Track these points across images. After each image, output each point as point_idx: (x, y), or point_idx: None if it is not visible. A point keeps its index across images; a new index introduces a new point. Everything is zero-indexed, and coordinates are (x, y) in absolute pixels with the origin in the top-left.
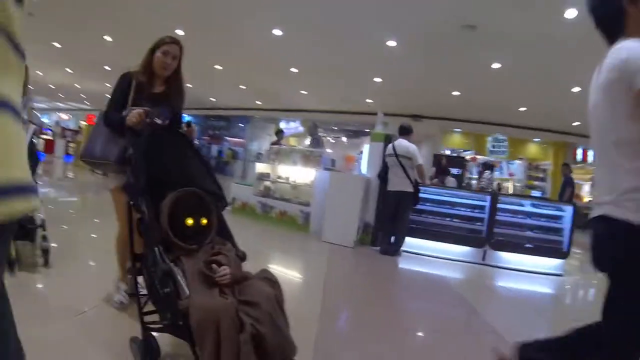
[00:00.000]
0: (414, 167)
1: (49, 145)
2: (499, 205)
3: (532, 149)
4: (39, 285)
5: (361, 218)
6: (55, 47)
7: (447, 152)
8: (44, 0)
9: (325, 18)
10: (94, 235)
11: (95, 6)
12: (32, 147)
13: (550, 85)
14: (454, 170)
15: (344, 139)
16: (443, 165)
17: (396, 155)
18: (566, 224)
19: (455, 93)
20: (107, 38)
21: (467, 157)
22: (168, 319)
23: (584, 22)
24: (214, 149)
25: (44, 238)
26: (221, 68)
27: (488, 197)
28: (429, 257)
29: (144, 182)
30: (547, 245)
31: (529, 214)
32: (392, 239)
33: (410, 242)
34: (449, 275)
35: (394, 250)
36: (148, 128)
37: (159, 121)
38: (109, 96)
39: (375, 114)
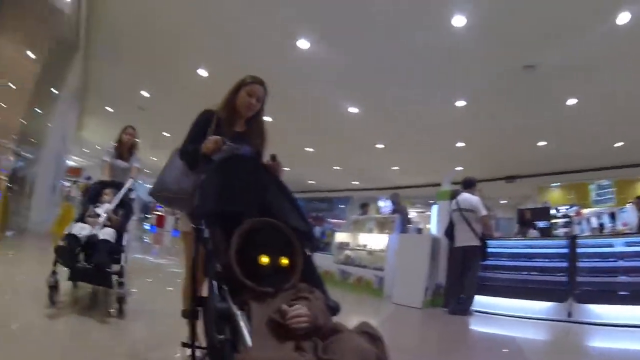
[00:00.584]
0: (479, 219)
1: (160, 220)
2: (582, 250)
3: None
4: (102, 333)
5: (431, 278)
6: (165, 136)
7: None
8: (153, 99)
9: (394, 93)
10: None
11: (198, 100)
12: (127, 199)
13: None
14: (540, 224)
15: None
16: (526, 219)
17: (459, 209)
18: None
19: (541, 143)
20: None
21: (571, 213)
22: None
23: None
24: (317, 230)
25: (120, 285)
26: (312, 150)
27: (566, 242)
28: (505, 316)
29: (211, 205)
30: None
31: (621, 255)
32: (461, 297)
33: (482, 301)
34: (525, 335)
35: (462, 309)
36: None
37: (237, 151)
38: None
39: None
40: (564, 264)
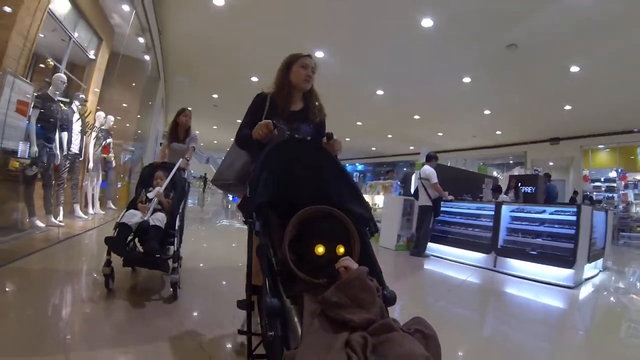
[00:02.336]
0: (432, 185)
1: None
2: (508, 214)
3: None
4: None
5: (406, 229)
6: (237, 122)
7: (587, 173)
8: (221, 98)
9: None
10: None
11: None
12: (179, 180)
13: None
14: (528, 189)
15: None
16: (512, 184)
17: (420, 177)
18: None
19: (567, 107)
20: None
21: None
22: None
23: None
24: None
25: (174, 270)
26: (360, 123)
27: (493, 206)
28: (451, 261)
29: (261, 196)
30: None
31: (541, 221)
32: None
33: (438, 248)
34: (456, 275)
35: (417, 252)
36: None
37: (295, 134)
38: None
39: (508, 145)
40: (491, 224)
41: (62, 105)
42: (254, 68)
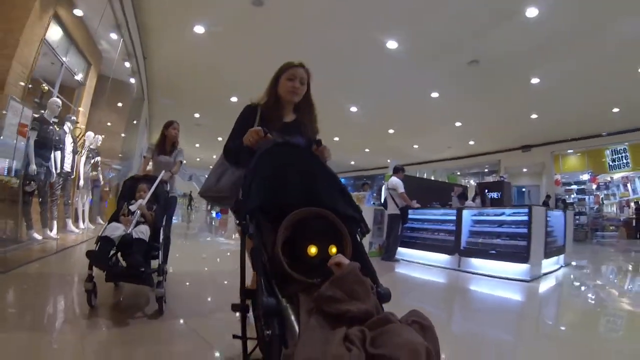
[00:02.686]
0: (399, 195)
1: (224, 208)
2: (475, 218)
3: None
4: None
5: (378, 237)
6: (219, 140)
7: (559, 177)
8: (203, 118)
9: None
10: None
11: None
12: (162, 193)
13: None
14: (494, 194)
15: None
16: (479, 191)
17: (388, 188)
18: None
19: (534, 116)
20: None
21: (585, 179)
22: None
23: None
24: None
25: (159, 284)
26: (337, 139)
27: (455, 212)
28: (419, 264)
29: (254, 201)
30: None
31: (499, 223)
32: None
33: (407, 252)
34: (419, 275)
35: (387, 257)
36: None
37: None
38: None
39: (482, 154)
40: (454, 228)
41: (56, 127)
42: (234, 89)
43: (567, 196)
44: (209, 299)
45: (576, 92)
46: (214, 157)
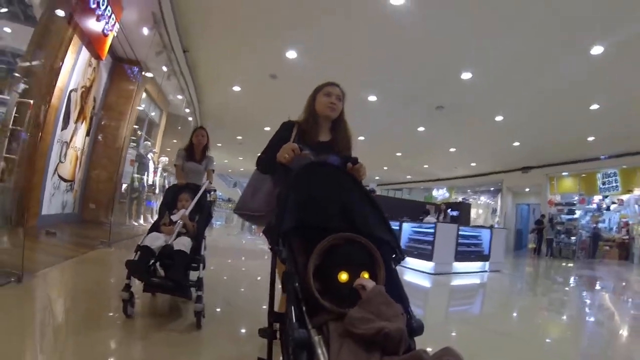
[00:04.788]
0: None
1: None
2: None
3: None
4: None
5: None
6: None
7: (553, 198)
8: (244, 139)
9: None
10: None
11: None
12: (204, 203)
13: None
14: (454, 212)
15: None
16: (442, 208)
17: None
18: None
19: (516, 144)
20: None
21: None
22: None
23: None
24: None
25: (199, 299)
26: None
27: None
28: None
29: (288, 222)
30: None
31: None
32: None
33: None
34: None
35: None
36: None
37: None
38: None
39: (486, 174)
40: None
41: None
42: (266, 122)
43: (559, 216)
44: (245, 309)
45: (541, 125)
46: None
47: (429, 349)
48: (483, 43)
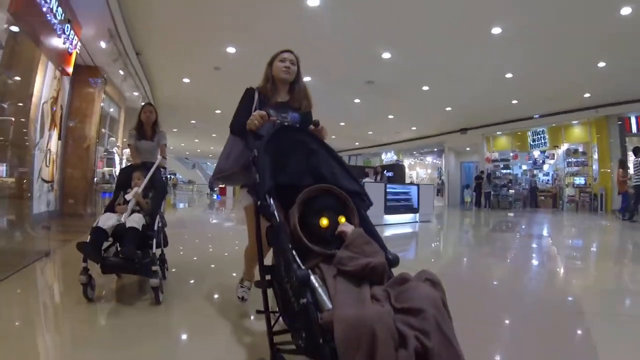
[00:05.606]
0: None
1: (223, 190)
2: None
3: (575, 133)
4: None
5: None
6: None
7: (489, 155)
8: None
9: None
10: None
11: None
12: (158, 180)
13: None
14: (389, 173)
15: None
16: (378, 170)
17: None
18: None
19: (448, 108)
20: None
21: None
22: (304, 338)
23: None
24: None
25: (154, 274)
26: None
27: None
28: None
29: (270, 179)
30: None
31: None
32: None
33: None
34: None
35: None
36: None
37: (284, 122)
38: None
39: (428, 137)
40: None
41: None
42: (215, 106)
43: (496, 171)
44: (211, 278)
45: (466, 93)
46: (211, 148)
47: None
48: (399, 26)
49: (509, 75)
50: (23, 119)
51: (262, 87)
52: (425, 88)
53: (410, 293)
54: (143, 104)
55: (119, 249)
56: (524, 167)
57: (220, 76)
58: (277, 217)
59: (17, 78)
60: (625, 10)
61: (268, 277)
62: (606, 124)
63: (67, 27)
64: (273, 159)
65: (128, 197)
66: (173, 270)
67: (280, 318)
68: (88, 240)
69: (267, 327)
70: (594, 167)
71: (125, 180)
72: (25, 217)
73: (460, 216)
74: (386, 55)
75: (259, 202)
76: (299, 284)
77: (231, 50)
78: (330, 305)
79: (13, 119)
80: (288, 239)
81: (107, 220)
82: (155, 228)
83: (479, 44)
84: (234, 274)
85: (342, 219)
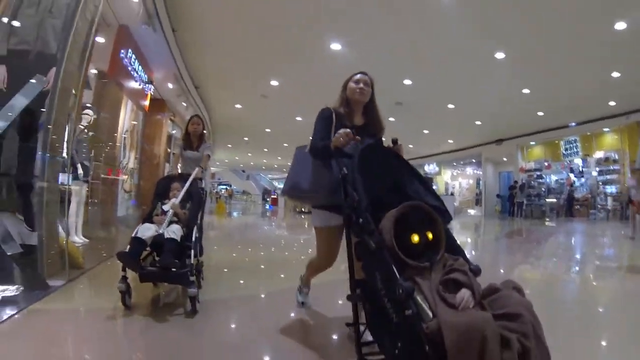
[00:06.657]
0: None
1: (274, 201)
2: None
3: (606, 140)
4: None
5: None
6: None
7: (524, 165)
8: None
9: None
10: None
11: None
12: (196, 191)
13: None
14: None
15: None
16: None
17: None
18: None
19: (478, 122)
20: None
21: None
22: (399, 347)
23: None
24: None
25: (192, 284)
26: None
27: None
28: None
29: (365, 200)
30: None
31: None
32: None
33: None
34: None
35: None
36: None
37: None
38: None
39: (464, 149)
40: None
41: None
42: (264, 126)
43: (531, 181)
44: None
45: (489, 109)
46: (264, 160)
47: None
48: (418, 56)
49: (525, 91)
50: (110, 143)
51: (338, 108)
52: (451, 106)
53: (504, 301)
54: (191, 115)
55: (156, 258)
56: (555, 177)
57: (266, 103)
58: (375, 229)
59: (106, 115)
60: (620, 25)
61: (358, 290)
62: (638, 131)
63: (145, 77)
64: (366, 176)
65: (166, 207)
66: (225, 270)
67: (369, 330)
68: (127, 250)
69: (356, 339)
70: (628, 174)
71: (163, 190)
72: (112, 219)
73: (486, 225)
74: (407, 81)
75: (354, 219)
76: (405, 296)
77: (274, 83)
78: (431, 315)
79: (107, 146)
80: (389, 253)
81: (146, 231)
82: (193, 239)
83: (486, 67)
84: (282, 276)
85: (430, 235)
